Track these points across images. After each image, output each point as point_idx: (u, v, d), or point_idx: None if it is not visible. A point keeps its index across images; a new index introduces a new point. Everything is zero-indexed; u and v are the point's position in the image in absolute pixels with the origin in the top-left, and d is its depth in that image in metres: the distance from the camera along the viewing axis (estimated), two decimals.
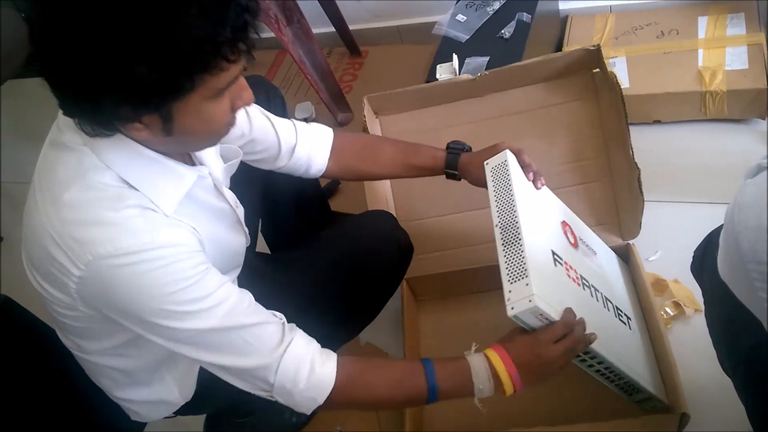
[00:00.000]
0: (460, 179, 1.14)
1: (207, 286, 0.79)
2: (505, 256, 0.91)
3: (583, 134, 1.35)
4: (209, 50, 0.67)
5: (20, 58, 2.03)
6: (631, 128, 1.23)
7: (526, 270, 0.86)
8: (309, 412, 0.87)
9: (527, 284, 0.85)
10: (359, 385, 0.88)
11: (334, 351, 0.90)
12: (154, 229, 0.75)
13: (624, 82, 1.64)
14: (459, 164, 1.12)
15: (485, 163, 1.06)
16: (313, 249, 1.23)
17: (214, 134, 0.80)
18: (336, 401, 0.86)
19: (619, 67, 1.67)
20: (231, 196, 0.97)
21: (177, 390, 1.01)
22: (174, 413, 1.05)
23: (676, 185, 1.53)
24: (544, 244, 0.97)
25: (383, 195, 1.45)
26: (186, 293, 0.77)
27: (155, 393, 0.99)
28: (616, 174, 1.34)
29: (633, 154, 1.21)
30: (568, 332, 0.88)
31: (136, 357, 0.92)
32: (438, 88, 1.37)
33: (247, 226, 1.06)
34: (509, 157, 1.03)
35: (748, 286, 0.62)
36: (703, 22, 1.69)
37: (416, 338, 1.45)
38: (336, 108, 2.00)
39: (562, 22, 1.90)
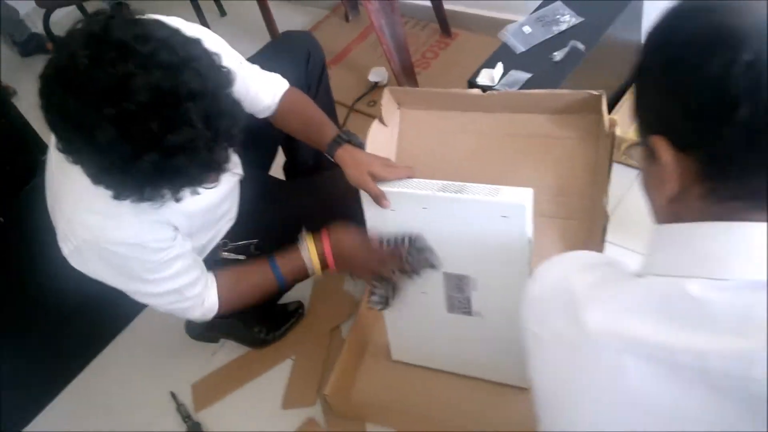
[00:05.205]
0: None
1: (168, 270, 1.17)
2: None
3: (574, 172, 1.40)
4: None
5: None
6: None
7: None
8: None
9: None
10: (234, 298, 1.32)
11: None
12: (140, 226, 1.08)
13: None
14: (336, 154, 1.27)
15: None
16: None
17: None
18: (224, 312, 1.32)
19: None
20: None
21: None
22: None
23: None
24: None
25: None
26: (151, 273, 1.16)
27: None
28: (594, 218, 1.39)
29: (607, 202, 1.27)
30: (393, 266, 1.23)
31: None
32: (454, 96, 1.45)
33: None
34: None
35: None
36: None
37: None
38: (404, 80, 2.13)
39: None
